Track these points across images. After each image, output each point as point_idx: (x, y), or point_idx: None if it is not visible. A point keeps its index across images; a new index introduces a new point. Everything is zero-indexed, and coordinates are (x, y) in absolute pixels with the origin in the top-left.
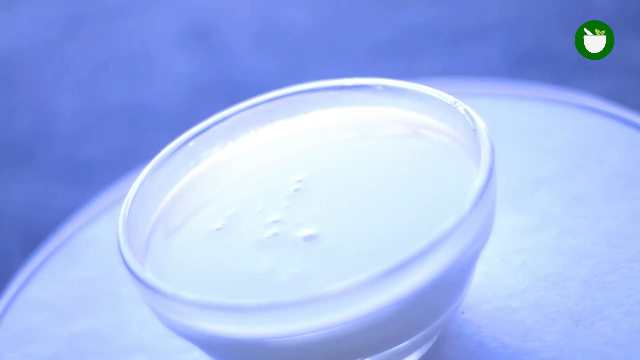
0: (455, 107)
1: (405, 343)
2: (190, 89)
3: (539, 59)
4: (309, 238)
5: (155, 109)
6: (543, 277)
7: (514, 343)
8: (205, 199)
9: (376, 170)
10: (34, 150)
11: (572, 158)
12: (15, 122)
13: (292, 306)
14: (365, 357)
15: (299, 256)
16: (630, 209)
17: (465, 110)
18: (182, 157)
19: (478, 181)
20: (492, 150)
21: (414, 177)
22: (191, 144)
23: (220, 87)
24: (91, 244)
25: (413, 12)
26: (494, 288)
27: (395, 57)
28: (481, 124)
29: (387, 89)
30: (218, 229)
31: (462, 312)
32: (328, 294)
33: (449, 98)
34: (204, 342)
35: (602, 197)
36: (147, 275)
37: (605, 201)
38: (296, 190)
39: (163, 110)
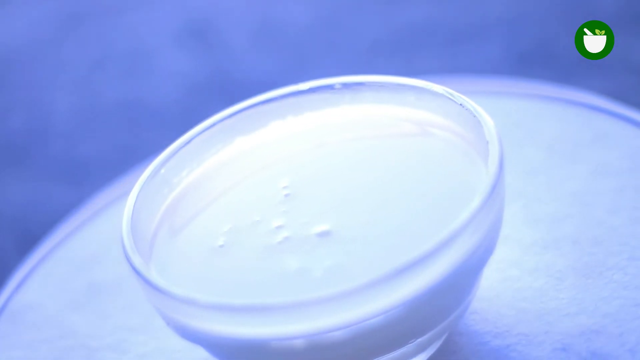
0: (463, 105)
1: (417, 341)
2: (188, 87)
3: (540, 57)
4: (323, 234)
5: (153, 108)
6: (531, 243)
7: (532, 307)
8: (203, 206)
9: (384, 168)
10: (30, 149)
11: (573, 156)
12: (10, 120)
13: (308, 305)
14: (375, 358)
15: (324, 250)
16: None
17: (473, 108)
18: (176, 165)
19: (489, 178)
20: (502, 148)
21: (423, 175)
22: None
23: (218, 86)
24: (88, 245)
25: (413, 10)
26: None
27: (395, 55)
28: (489, 122)
29: (392, 86)
30: (221, 246)
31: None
32: (340, 294)
33: (456, 95)
34: (214, 345)
35: (603, 195)
36: (165, 283)
37: (607, 200)
38: (304, 189)
39: (161, 108)
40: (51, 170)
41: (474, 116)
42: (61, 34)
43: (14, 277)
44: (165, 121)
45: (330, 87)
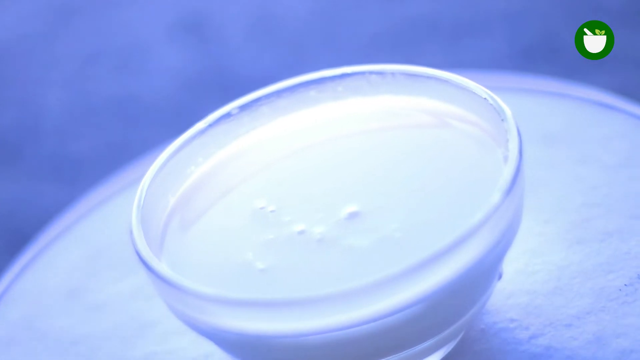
0: (482, 96)
1: (435, 339)
2: (183, 82)
3: (545, 52)
4: (341, 226)
5: (147, 104)
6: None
7: (554, 300)
8: (223, 192)
9: (401, 160)
10: (20, 147)
11: (577, 152)
12: (0, 117)
13: (319, 302)
14: (393, 355)
15: (341, 244)
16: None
17: (491, 97)
18: (196, 149)
19: (509, 170)
20: (521, 139)
21: (442, 166)
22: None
23: (214, 81)
24: (79, 244)
25: (414, 3)
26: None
27: (396, 50)
28: (508, 112)
29: (410, 76)
30: (236, 239)
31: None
32: (357, 290)
33: (475, 86)
34: (234, 342)
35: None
36: (177, 276)
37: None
38: (321, 181)
39: (155, 104)
40: (42, 168)
41: (493, 107)
42: (52, 29)
43: (4, 277)
44: (159, 118)
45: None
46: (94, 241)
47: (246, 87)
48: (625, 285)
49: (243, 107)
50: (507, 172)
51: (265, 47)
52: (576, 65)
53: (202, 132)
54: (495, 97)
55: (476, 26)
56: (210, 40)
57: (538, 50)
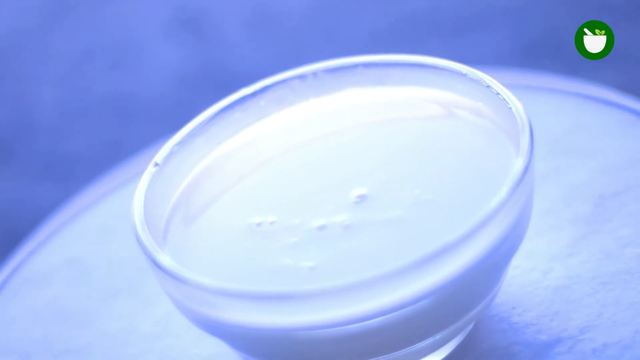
0: (490, 86)
1: (443, 333)
2: (179, 79)
3: (548, 48)
4: (349, 219)
5: (142, 101)
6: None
7: (563, 295)
8: (221, 192)
9: (409, 151)
10: (14, 144)
11: (582, 150)
12: None
13: (328, 295)
14: (400, 350)
15: (349, 236)
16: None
17: (500, 89)
18: (204, 139)
19: (520, 161)
20: (531, 129)
21: (451, 157)
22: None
23: (210, 78)
24: (73, 244)
25: None
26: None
27: (396, 46)
28: (517, 103)
29: (417, 66)
30: (258, 224)
31: None
32: (365, 282)
33: (483, 76)
34: (241, 337)
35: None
36: (190, 272)
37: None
38: (327, 173)
39: (150, 102)
40: (36, 166)
41: (501, 97)
42: (46, 24)
43: None
44: (155, 115)
45: (354, 67)
46: (88, 240)
47: (244, 84)
48: None
49: (245, 98)
50: (519, 163)
51: (263, 43)
52: (579, 62)
53: (204, 125)
54: (504, 88)
55: (478, 22)
56: (207, 36)
57: (541, 46)
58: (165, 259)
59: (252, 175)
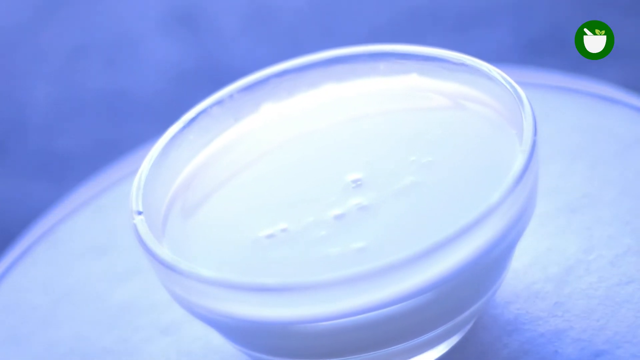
0: (495, 77)
1: (445, 327)
2: (175, 76)
3: (552, 44)
4: (350, 211)
5: (137, 98)
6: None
7: (567, 289)
8: (219, 184)
9: (416, 142)
10: (5, 143)
11: (586, 150)
12: None
13: (331, 286)
14: (400, 344)
15: (350, 229)
16: None
17: (505, 79)
18: (203, 125)
19: (523, 153)
20: (535, 120)
21: (457, 148)
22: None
23: (207, 74)
24: (67, 244)
25: None
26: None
27: (397, 42)
28: (522, 94)
29: (421, 57)
30: (270, 236)
31: None
32: (368, 274)
33: (488, 67)
34: (227, 327)
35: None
36: (188, 264)
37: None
38: (330, 163)
39: (146, 99)
40: (29, 165)
41: (507, 88)
42: (39, 19)
43: None
44: (150, 113)
45: (359, 57)
46: (81, 241)
47: None
48: None
49: (245, 89)
50: (522, 154)
51: (261, 39)
52: (582, 58)
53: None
54: (509, 78)
55: (480, 17)
56: (204, 31)
57: (543, 42)
58: (163, 250)
59: (251, 168)
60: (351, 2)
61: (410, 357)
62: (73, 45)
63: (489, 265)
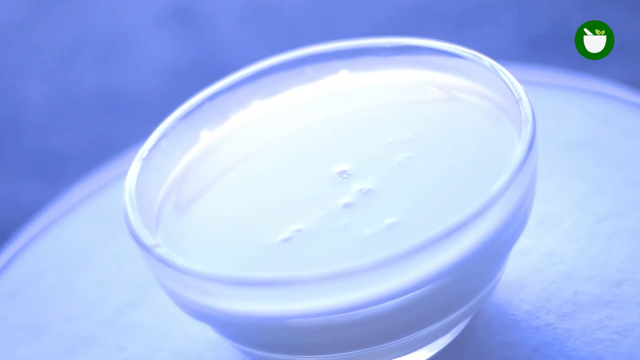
0: (490, 68)
1: (443, 322)
2: (171, 73)
3: (555, 41)
4: (347, 205)
5: (133, 96)
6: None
7: (564, 284)
8: (213, 179)
9: (412, 136)
10: (0, 141)
11: (586, 145)
12: None
13: (326, 280)
14: (396, 340)
15: (346, 221)
16: None
17: (499, 69)
18: (199, 119)
19: (521, 145)
20: (533, 110)
21: (454, 141)
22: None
23: (204, 72)
24: (61, 243)
25: None
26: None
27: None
28: (518, 84)
29: (415, 49)
30: (287, 239)
31: None
32: (364, 268)
33: (481, 57)
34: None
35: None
36: (185, 260)
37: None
38: (324, 157)
39: (142, 97)
40: (23, 164)
41: (502, 78)
42: (34, 16)
43: None
44: (146, 111)
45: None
46: (76, 241)
47: None
48: None
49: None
50: (521, 147)
51: (259, 35)
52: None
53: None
54: (504, 69)
55: (482, 14)
56: (201, 28)
57: (547, 39)
58: (156, 244)
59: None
60: None
61: (406, 354)
62: (68, 43)
63: (488, 259)
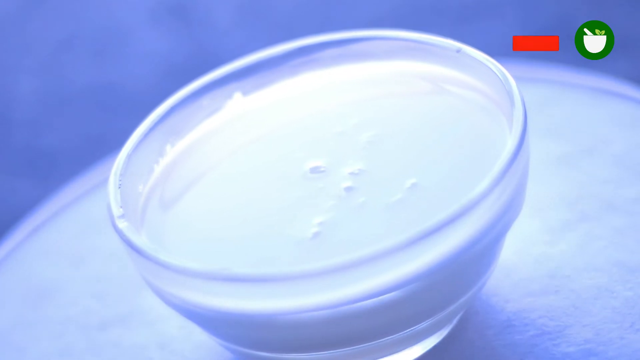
0: (480, 60)
1: (427, 323)
2: (166, 69)
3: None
4: (341, 199)
5: (127, 92)
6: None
7: (554, 281)
8: (199, 175)
9: (400, 129)
10: None
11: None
12: None
13: (314, 276)
14: (386, 337)
15: (337, 215)
16: None
17: (490, 62)
18: (188, 113)
19: (512, 140)
20: (523, 100)
21: (443, 134)
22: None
23: (199, 68)
24: (53, 243)
25: None
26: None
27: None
28: (507, 75)
29: (401, 41)
30: (316, 235)
31: None
32: (353, 263)
33: (472, 51)
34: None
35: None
36: (168, 254)
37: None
38: (312, 152)
39: (135, 93)
40: (14, 162)
41: (490, 69)
42: (25, 10)
43: None
44: (140, 108)
45: (336, 43)
46: (69, 240)
47: None
48: None
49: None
50: (512, 138)
51: (255, 31)
52: None
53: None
54: (494, 61)
55: (484, 9)
56: (196, 23)
57: (552, 34)
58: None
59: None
60: None
61: (397, 351)
62: (60, 38)
63: (476, 257)
